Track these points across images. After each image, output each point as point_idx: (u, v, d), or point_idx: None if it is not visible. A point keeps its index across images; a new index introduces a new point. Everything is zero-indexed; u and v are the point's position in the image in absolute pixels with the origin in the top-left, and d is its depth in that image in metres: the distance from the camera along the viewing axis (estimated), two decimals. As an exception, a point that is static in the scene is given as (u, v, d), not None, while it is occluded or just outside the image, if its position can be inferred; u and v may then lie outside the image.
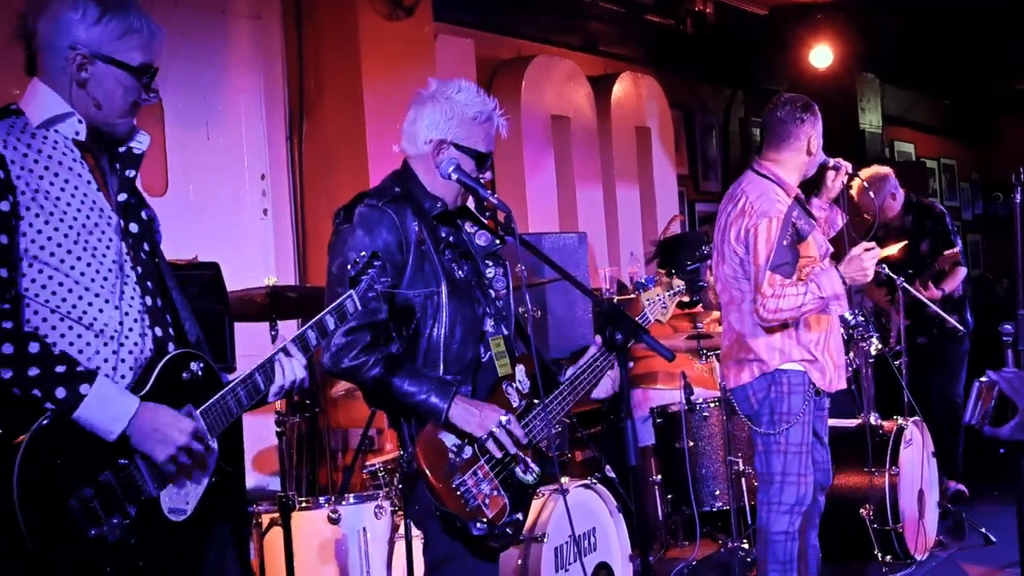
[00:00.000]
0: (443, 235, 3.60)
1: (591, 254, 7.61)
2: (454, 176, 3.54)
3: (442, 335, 3.52)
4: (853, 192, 7.38)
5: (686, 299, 4.09)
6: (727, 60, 10.32)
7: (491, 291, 3.69)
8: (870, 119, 12.03)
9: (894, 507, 6.07)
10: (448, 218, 3.65)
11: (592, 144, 8.82)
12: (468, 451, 3.49)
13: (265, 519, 4.85)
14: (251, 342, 5.26)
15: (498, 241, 3.68)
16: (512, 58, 8.38)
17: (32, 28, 2.80)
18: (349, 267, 3.27)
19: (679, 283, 4.02)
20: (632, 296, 4.99)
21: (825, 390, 4.91)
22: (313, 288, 5.82)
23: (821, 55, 10.39)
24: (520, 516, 3.57)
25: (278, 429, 4.97)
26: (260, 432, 5.61)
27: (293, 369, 2.96)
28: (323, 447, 6.23)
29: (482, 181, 3.61)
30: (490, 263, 3.71)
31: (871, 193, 7.10)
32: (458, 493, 3.43)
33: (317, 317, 3.08)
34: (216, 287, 4.93)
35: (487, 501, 3.47)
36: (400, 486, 3.61)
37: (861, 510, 6.02)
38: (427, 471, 3.42)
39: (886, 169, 7.70)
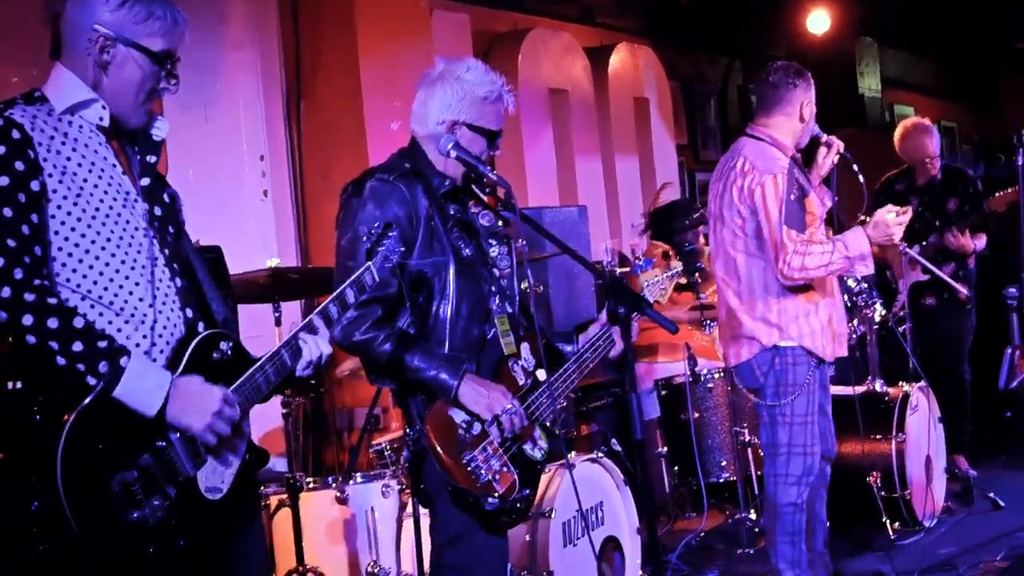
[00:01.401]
0: (451, 212, 3.61)
1: (592, 227, 7.59)
2: (453, 153, 3.54)
3: (448, 312, 3.53)
4: (898, 133, 7.35)
5: (683, 281, 4.08)
6: (724, 29, 10.28)
7: (495, 270, 3.69)
8: (869, 83, 11.96)
9: (901, 474, 6.06)
10: (455, 195, 3.65)
11: (590, 116, 8.79)
12: (477, 427, 3.51)
13: (273, 500, 4.86)
14: (254, 324, 5.25)
15: (500, 223, 3.68)
16: (508, 31, 8.34)
17: (59, 10, 2.82)
18: (364, 239, 3.29)
19: (677, 264, 4.02)
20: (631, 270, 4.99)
21: (826, 360, 4.89)
22: (315, 269, 5.82)
23: (818, 20, 10.34)
24: (529, 492, 3.59)
25: (284, 410, 4.98)
26: (266, 413, 5.60)
27: (318, 344, 2.99)
28: (329, 427, 6.23)
29: (492, 158, 3.62)
30: (494, 242, 3.72)
31: (919, 137, 7.19)
32: (468, 469, 3.44)
33: (338, 290, 3.11)
34: (219, 270, 4.92)
35: (497, 477, 3.49)
36: (407, 464, 3.61)
37: (868, 477, 6.02)
38: (437, 447, 3.43)
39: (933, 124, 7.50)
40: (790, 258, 4.63)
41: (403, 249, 3.31)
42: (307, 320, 3.01)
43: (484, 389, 3.50)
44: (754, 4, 10.03)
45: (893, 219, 4.68)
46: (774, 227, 4.67)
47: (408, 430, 3.58)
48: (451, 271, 3.53)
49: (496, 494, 3.47)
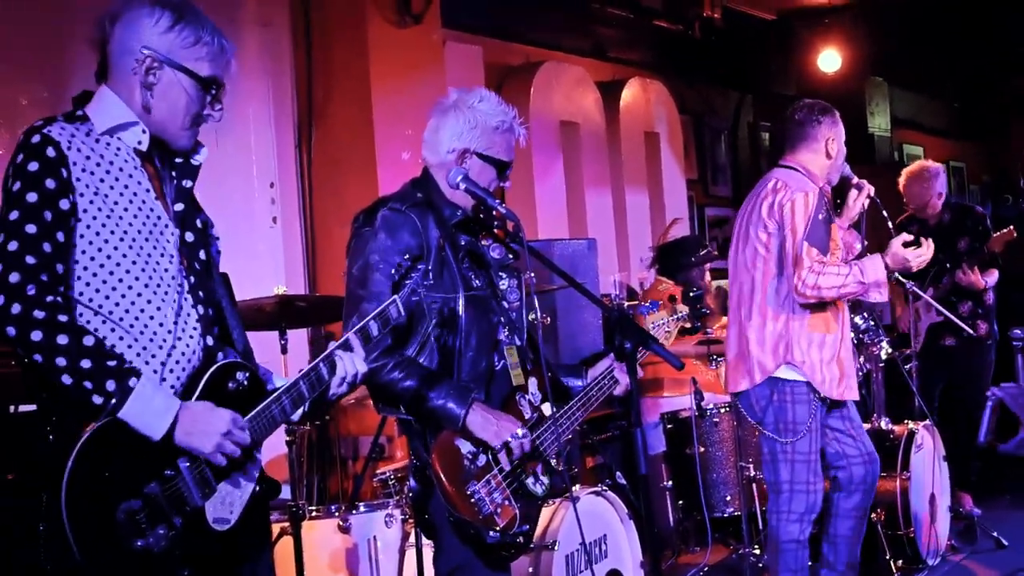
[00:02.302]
0: (463, 243, 3.62)
1: (600, 260, 7.60)
2: (462, 185, 3.56)
3: (458, 343, 3.53)
4: (902, 180, 7.41)
5: (688, 325, 4.10)
6: (735, 65, 10.32)
7: (504, 303, 3.70)
8: (879, 122, 12.00)
9: (905, 511, 6.05)
10: (466, 226, 3.66)
11: (601, 150, 8.81)
12: (482, 459, 3.50)
13: (275, 528, 4.84)
14: (260, 351, 5.25)
15: (511, 256, 3.70)
16: (521, 64, 8.38)
17: (108, 33, 2.85)
18: (393, 271, 3.30)
19: (683, 308, 4.03)
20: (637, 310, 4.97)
21: (830, 398, 4.86)
22: (323, 297, 5.82)
23: (829, 59, 10.38)
24: (528, 528, 3.58)
25: (288, 438, 4.98)
26: (270, 440, 5.59)
27: (354, 362, 3.00)
28: (333, 455, 6.22)
29: (502, 189, 3.63)
30: (503, 275, 3.73)
31: (921, 184, 7.28)
32: (472, 500, 3.44)
33: (362, 323, 3.11)
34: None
35: (499, 510, 3.48)
36: (411, 494, 3.61)
37: (872, 514, 6.00)
38: (442, 476, 3.43)
39: (938, 165, 7.61)
40: (805, 275, 4.64)
41: (429, 282, 3.33)
42: (343, 339, 3.02)
43: (492, 417, 3.50)
44: (766, 41, 10.08)
45: (910, 251, 4.72)
46: (797, 242, 4.69)
47: (414, 459, 3.58)
48: (461, 302, 3.53)
49: (497, 527, 3.46)
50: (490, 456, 3.51)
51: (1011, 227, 7.19)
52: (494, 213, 3.59)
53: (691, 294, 4.03)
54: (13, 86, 5.09)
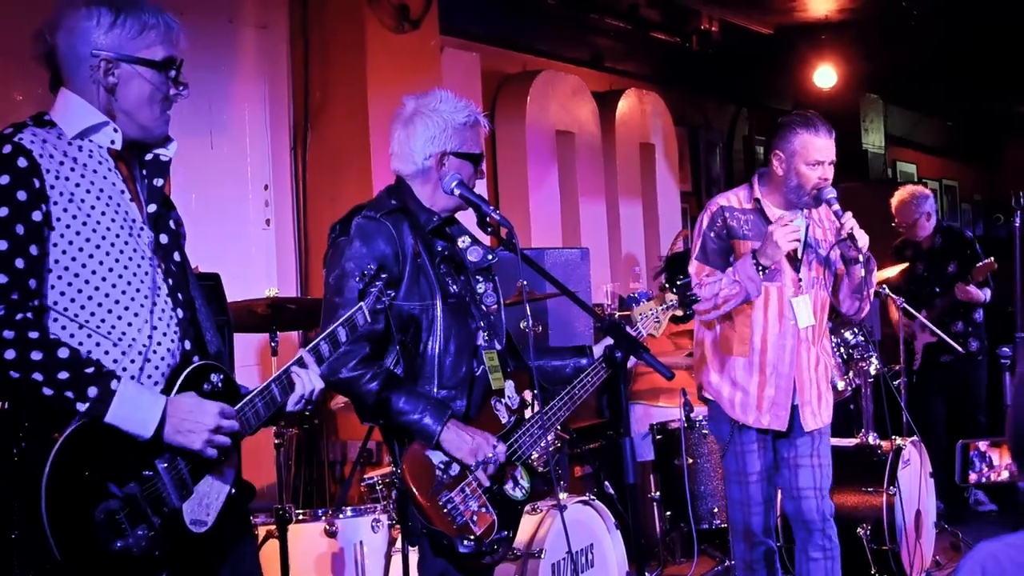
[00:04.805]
0: (439, 248, 3.62)
1: (593, 269, 7.60)
2: (457, 191, 3.56)
3: (436, 349, 3.53)
4: (893, 203, 7.74)
5: (679, 313, 4.07)
6: (732, 78, 10.34)
7: (483, 306, 3.70)
8: (873, 139, 12.04)
9: (891, 526, 6.05)
10: (442, 231, 3.66)
11: (596, 159, 8.83)
12: (455, 468, 3.50)
13: (261, 531, 4.84)
14: (250, 353, 5.26)
15: (490, 256, 3.69)
16: (518, 72, 8.39)
17: (52, 44, 2.82)
18: (352, 277, 3.29)
19: (672, 297, 4.00)
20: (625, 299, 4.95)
21: (745, 424, 4.72)
22: (314, 300, 5.81)
23: (825, 75, 10.42)
24: (508, 533, 3.58)
25: (276, 441, 4.97)
26: (259, 443, 5.59)
27: (311, 379, 2.97)
28: (321, 459, 6.22)
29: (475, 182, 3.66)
30: (480, 278, 3.72)
31: (909, 205, 7.59)
32: (445, 511, 3.44)
33: (329, 329, 3.10)
34: (217, 298, 4.93)
35: (475, 518, 3.47)
36: (395, 502, 3.60)
37: (858, 529, 6.01)
38: (413, 489, 3.43)
39: (927, 191, 7.93)
40: (695, 291, 4.44)
41: (393, 292, 3.33)
42: (297, 356, 3.00)
43: (467, 434, 3.49)
44: (763, 56, 10.10)
45: (779, 229, 4.44)
46: (691, 260, 4.71)
47: (395, 468, 3.57)
48: (438, 308, 3.53)
49: (472, 536, 3.45)
50: (470, 469, 3.51)
51: (991, 259, 7.47)
52: (488, 219, 3.59)
53: (678, 282, 4.00)
54: (7, 82, 5.09)
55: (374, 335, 3.47)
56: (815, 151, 4.63)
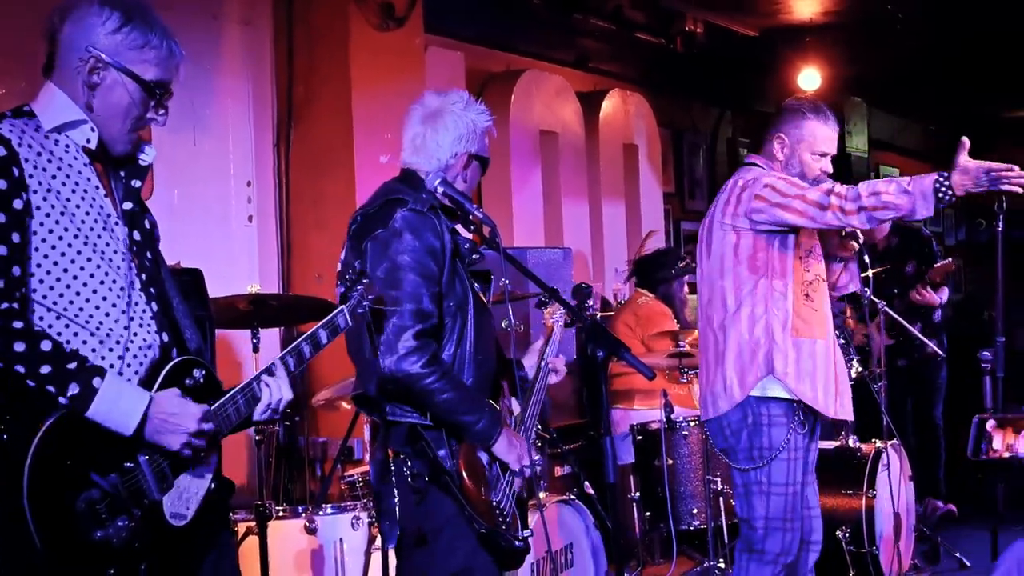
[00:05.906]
0: (466, 247, 3.62)
1: (575, 269, 7.61)
2: (440, 190, 3.56)
3: (469, 349, 3.53)
4: None
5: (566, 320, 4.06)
6: (716, 80, 10.35)
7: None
8: (857, 143, 12.07)
9: (870, 530, 6.07)
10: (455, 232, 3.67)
11: (579, 160, 8.84)
12: (496, 469, 3.55)
13: (241, 527, 4.83)
14: (231, 350, 5.25)
15: (475, 255, 3.68)
16: (502, 72, 8.40)
17: (57, 28, 2.82)
18: (338, 282, 3.29)
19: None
20: (611, 313, 4.95)
21: (825, 414, 4.35)
22: (296, 297, 5.81)
23: (809, 78, 10.43)
24: (530, 531, 3.65)
25: (257, 437, 4.96)
26: (238, 439, 5.59)
27: (279, 388, 2.95)
28: (302, 456, 6.21)
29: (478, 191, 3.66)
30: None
31: None
32: (497, 511, 3.48)
33: (311, 331, 3.09)
34: (198, 293, 4.92)
35: (511, 517, 3.55)
36: (397, 500, 3.54)
37: (837, 532, 6.02)
38: (469, 485, 3.44)
39: None
40: (839, 188, 4.00)
41: (372, 297, 3.28)
42: (268, 365, 2.98)
43: (516, 441, 3.55)
44: (747, 58, 10.11)
45: (980, 165, 3.99)
46: (803, 192, 4.17)
47: (409, 465, 3.51)
48: (471, 307, 3.55)
49: (519, 535, 3.54)
50: (499, 465, 3.55)
51: (950, 259, 7.54)
52: (471, 218, 3.59)
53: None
54: (8, 83, 5.07)
55: (435, 330, 3.46)
56: (823, 141, 4.48)
